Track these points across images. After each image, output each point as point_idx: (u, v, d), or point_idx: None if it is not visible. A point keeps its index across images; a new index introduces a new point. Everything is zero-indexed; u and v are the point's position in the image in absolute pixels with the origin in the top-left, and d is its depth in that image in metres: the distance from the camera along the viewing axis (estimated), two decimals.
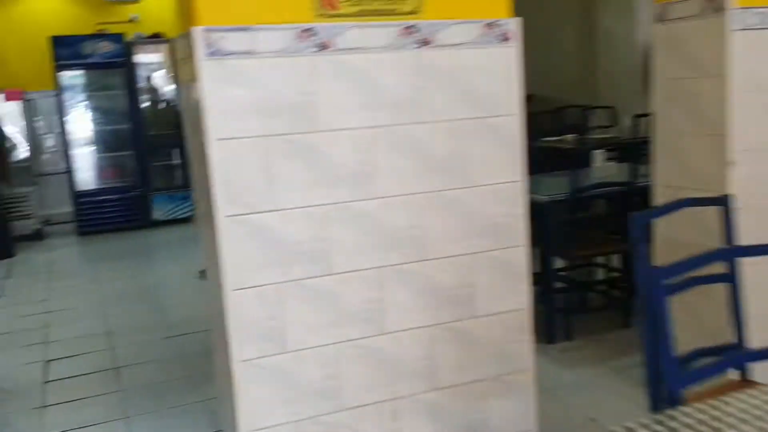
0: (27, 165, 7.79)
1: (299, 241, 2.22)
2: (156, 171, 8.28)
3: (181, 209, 8.28)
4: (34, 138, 8.28)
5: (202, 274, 2.88)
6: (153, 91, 8.31)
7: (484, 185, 2.42)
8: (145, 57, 8.20)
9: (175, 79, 8.23)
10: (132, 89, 8.04)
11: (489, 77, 2.39)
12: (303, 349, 2.25)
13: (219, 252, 2.12)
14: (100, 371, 3.98)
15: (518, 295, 2.52)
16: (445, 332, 2.43)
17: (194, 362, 3.97)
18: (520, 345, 2.55)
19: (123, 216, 8.08)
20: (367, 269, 2.31)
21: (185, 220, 8.27)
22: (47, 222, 8.24)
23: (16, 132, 8.01)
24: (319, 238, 2.24)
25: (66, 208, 8.22)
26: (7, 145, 7.76)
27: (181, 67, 2.38)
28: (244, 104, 2.11)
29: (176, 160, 8.38)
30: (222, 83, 2.08)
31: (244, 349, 2.18)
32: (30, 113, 8.03)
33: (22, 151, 7.91)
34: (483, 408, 2.51)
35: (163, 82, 8.34)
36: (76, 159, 8.01)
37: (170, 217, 8.24)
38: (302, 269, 2.23)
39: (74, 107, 8.02)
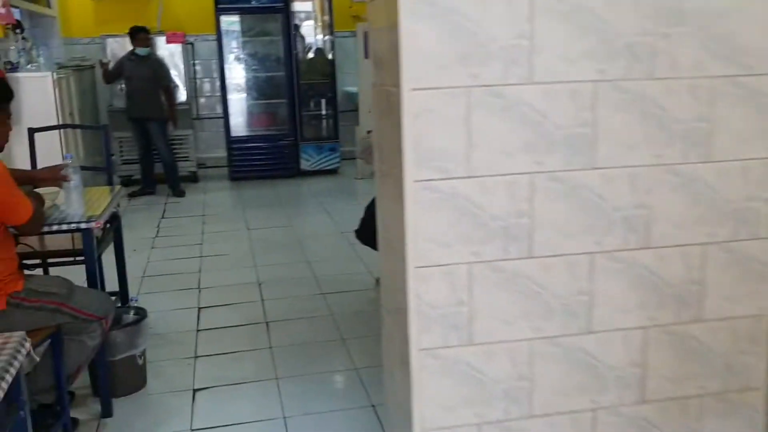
0: (186, 108, 7.92)
1: (497, 215, 1.86)
2: (306, 121, 8.19)
3: (329, 160, 8.16)
4: (193, 81, 8.42)
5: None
6: (304, 39, 8.17)
7: (731, 161, 1.94)
8: (300, 5, 8.06)
9: (330, 28, 8.07)
10: (288, 36, 7.92)
11: (749, 24, 1.89)
12: (492, 343, 1.91)
13: (404, 222, 1.81)
14: (250, 324, 3.87)
15: (758, 299, 2.03)
16: (663, 335, 2.00)
17: (345, 325, 3.77)
18: (752, 358, 2.07)
19: (273, 164, 8.08)
20: (574, 254, 1.91)
21: (331, 172, 8.17)
22: (202, 165, 8.42)
23: (176, 75, 8.16)
24: (520, 213, 1.87)
25: (220, 153, 8.35)
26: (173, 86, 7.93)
27: (372, 7, 2.05)
28: (447, 49, 1.75)
29: (326, 111, 8.26)
30: (423, 23, 1.73)
31: (424, 337, 1.87)
32: (189, 57, 8.14)
33: (182, 94, 8.05)
34: (699, 428, 2.08)
35: (312, 31, 8.18)
36: (231, 105, 8.07)
37: (317, 168, 8.16)
38: (498, 249, 1.87)
39: (232, 52, 8.04)
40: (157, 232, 5.93)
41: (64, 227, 2.72)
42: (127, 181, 7.82)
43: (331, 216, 6.24)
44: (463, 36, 1.75)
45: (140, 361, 3.14)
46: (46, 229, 2.67)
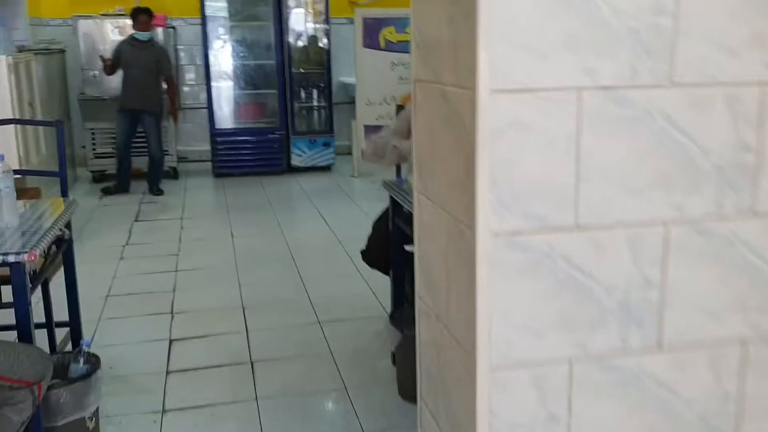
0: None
1: (615, 286, 1.21)
2: (297, 113, 7.49)
3: (321, 157, 7.48)
4: (174, 68, 7.69)
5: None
6: (296, 25, 7.47)
7: None
8: None
9: (325, 14, 7.37)
10: (279, 22, 7.22)
11: None
12: None
13: (474, 296, 1.15)
14: (232, 364, 3.20)
15: None
16: None
17: (347, 367, 3.11)
18: None
19: (261, 159, 7.39)
20: (722, 344, 1.27)
21: (325, 169, 7.51)
22: (183, 159, 7.72)
23: None
24: (647, 283, 1.22)
25: (203, 146, 7.65)
26: None
27: None
28: (550, 26, 1.10)
29: (319, 102, 7.57)
30: None
31: None
32: (171, 42, 7.41)
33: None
34: None
35: (305, 17, 7.48)
36: (216, 94, 7.36)
37: (310, 164, 7.48)
38: (614, 337, 1.22)
39: (218, 38, 7.33)
40: (129, 237, 5.23)
41: None
42: (99, 177, 7.11)
43: (327, 221, 5.58)
44: (577, 5, 1.10)
45: (91, 424, 2.47)
46: None
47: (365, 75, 6.92)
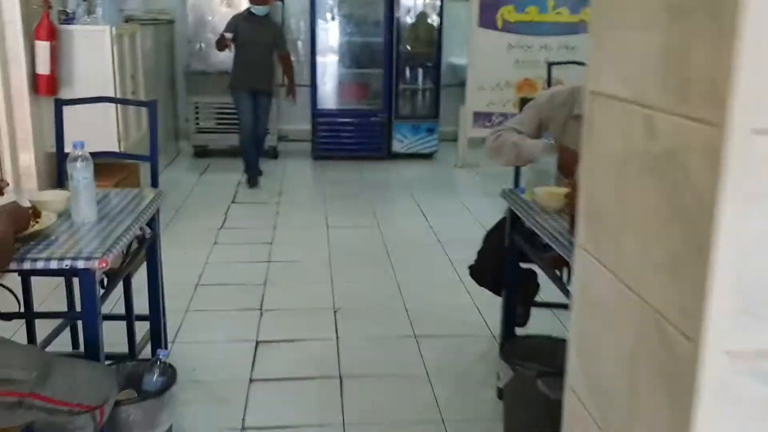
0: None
1: None
2: (402, 95, 7.13)
3: (424, 143, 7.11)
4: None
5: None
6: (407, 1, 7.07)
7: None
8: None
9: None
10: None
11: None
12: None
13: None
14: (319, 377, 2.91)
15: None
16: None
17: (447, 396, 2.75)
18: None
19: (361, 143, 7.10)
20: None
21: (427, 156, 7.13)
22: (284, 137, 7.54)
23: None
24: None
25: (303, 126, 7.42)
26: None
27: None
28: None
29: (425, 84, 7.17)
30: None
31: None
32: (279, 15, 7.18)
33: None
34: None
35: None
36: (320, 72, 7.11)
37: (411, 151, 7.13)
38: None
39: (325, 12, 7.05)
40: (224, 221, 5.06)
41: (51, 265, 1.80)
42: (201, 152, 7.04)
43: (426, 216, 5.22)
44: None
45: None
46: (18, 266, 1.77)
47: (478, 57, 6.47)
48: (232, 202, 5.57)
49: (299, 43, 7.58)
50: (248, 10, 5.94)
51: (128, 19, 5.53)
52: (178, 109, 7.28)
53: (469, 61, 6.57)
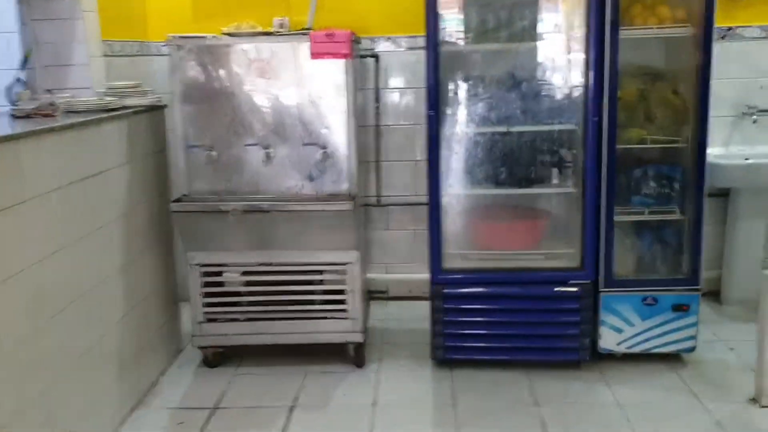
0: None
1: None
2: (622, 237, 3.45)
3: (670, 333, 3.38)
4: None
5: None
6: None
7: None
8: None
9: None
10: (598, 44, 3.27)
11: None
12: None
13: None
14: None
15: None
16: None
17: None
18: None
19: (533, 336, 3.44)
20: None
21: (672, 359, 3.41)
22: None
23: None
24: None
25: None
26: None
27: None
28: None
29: (670, 210, 3.47)
30: None
31: None
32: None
33: None
34: None
35: None
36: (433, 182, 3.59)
37: (638, 349, 3.41)
38: None
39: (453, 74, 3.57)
40: None
41: None
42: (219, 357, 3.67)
43: None
44: None
45: None
46: None
47: None
48: None
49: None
50: None
51: None
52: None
53: None
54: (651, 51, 3.52)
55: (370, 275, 4.44)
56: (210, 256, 3.48)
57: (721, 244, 4.07)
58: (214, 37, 3.42)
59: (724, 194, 4.02)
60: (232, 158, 3.42)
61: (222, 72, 3.37)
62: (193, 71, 3.37)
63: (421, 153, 4.23)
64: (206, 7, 4.20)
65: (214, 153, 3.41)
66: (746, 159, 3.94)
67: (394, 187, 4.37)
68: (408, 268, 4.47)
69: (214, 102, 3.39)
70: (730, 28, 3.98)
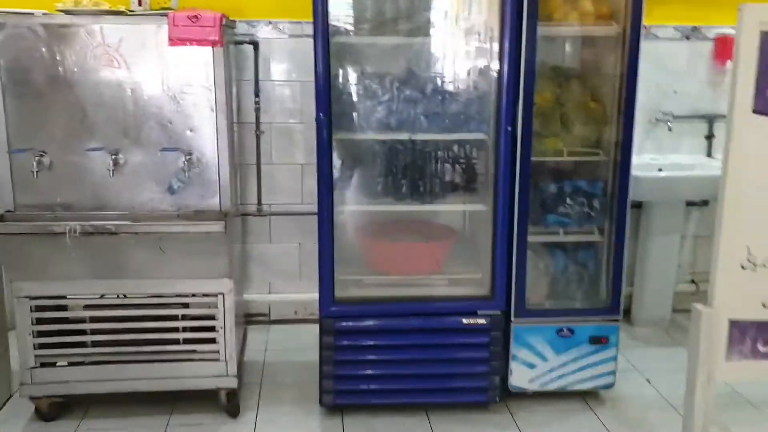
0: None
1: None
2: (537, 260, 3.05)
3: (586, 368, 3.02)
4: None
5: None
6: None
7: None
8: None
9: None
10: (514, 39, 2.83)
11: None
12: None
13: None
14: None
15: None
16: None
17: None
18: None
19: (434, 375, 3.00)
20: None
21: (588, 396, 3.08)
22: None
23: None
24: None
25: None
26: None
27: None
28: None
29: (588, 231, 3.10)
30: None
31: None
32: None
33: None
34: None
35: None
36: (325, 201, 3.06)
37: (552, 387, 3.04)
38: None
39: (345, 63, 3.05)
40: None
41: None
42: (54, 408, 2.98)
43: None
44: None
45: None
46: None
47: (748, 171, 2.40)
48: None
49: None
50: None
51: None
52: None
53: (727, 181, 2.49)
54: (565, 49, 3.13)
55: (248, 296, 3.86)
56: (43, 287, 2.80)
57: (633, 261, 3.79)
58: (45, 14, 2.73)
59: (635, 206, 3.74)
60: (70, 166, 2.75)
61: (57, 58, 2.68)
62: (19, 57, 2.67)
63: (308, 155, 3.69)
64: None
65: (46, 159, 2.73)
66: (660, 170, 3.66)
67: (278, 194, 3.80)
68: (294, 287, 3.92)
69: (48, 96, 2.71)
70: (644, 27, 3.68)
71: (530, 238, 2.90)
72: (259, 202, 3.78)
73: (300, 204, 3.81)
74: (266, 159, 3.75)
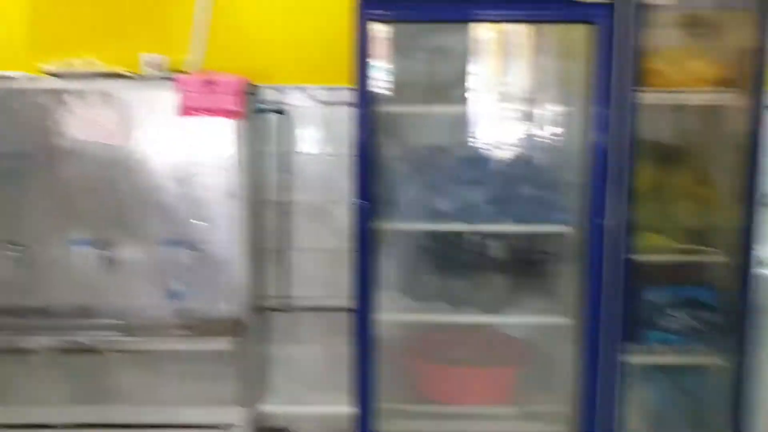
0: None
1: None
2: (634, 394, 2.42)
3: None
4: None
5: None
6: None
7: None
8: None
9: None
10: None
11: None
12: None
13: None
14: None
15: None
16: None
17: None
18: None
19: None
20: None
21: None
22: None
23: None
24: None
25: None
26: None
27: None
28: None
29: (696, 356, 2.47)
30: None
31: None
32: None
33: None
34: None
35: None
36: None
37: None
38: None
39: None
40: None
41: None
42: None
43: None
44: None
45: None
46: None
47: None
48: None
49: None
50: None
51: None
52: None
53: None
54: (663, 122, 2.57)
55: (266, 408, 3.24)
56: (11, 414, 2.22)
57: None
58: (29, 77, 2.25)
59: None
60: (48, 262, 2.22)
61: (40, 130, 2.18)
62: None
63: (341, 239, 3.11)
64: (51, 33, 2.98)
65: (20, 253, 2.20)
66: None
67: (304, 285, 3.22)
68: (320, 398, 3.29)
69: (25, 176, 2.19)
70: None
71: (627, 359, 2.26)
72: (282, 295, 3.20)
73: (330, 297, 3.22)
74: (291, 244, 3.18)
